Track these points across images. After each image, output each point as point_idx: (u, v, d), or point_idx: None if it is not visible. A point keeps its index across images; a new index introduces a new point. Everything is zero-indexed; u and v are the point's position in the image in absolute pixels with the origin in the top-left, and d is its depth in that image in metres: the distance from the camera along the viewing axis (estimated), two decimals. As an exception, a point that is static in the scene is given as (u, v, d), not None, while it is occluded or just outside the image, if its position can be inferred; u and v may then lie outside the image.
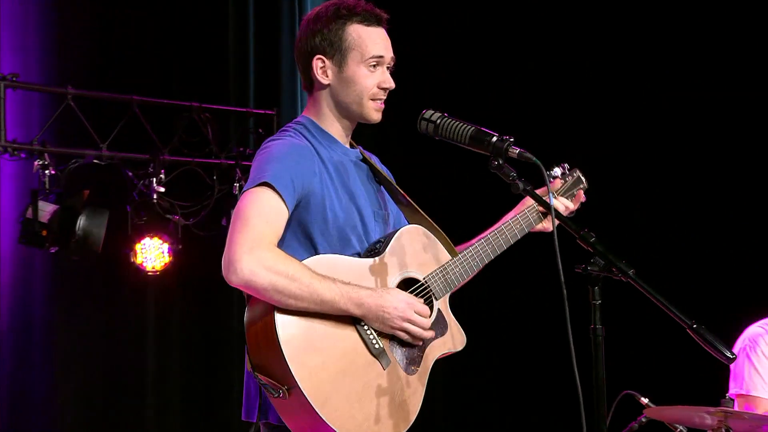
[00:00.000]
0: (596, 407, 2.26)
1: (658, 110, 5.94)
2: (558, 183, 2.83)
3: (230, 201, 5.86)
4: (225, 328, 5.89)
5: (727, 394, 4.08)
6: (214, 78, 6.13)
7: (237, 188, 5.89)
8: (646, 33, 5.91)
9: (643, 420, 4.07)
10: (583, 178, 2.86)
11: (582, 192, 2.86)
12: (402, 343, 2.47)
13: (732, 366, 4.37)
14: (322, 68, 2.56)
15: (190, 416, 6.06)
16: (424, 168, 5.67)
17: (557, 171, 2.82)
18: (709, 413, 3.82)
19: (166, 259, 5.75)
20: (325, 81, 2.57)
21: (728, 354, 2.22)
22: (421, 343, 2.49)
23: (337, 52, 2.55)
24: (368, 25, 2.58)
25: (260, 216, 2.37)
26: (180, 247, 5.79)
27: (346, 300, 2.38)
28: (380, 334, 2.44)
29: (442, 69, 6.06)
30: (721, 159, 5.84)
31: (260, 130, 6.03)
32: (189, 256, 5.79)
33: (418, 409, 2.49)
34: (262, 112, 6.10)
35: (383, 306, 2.41)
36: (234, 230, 2.36)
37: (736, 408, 4.29)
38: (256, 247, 2.33)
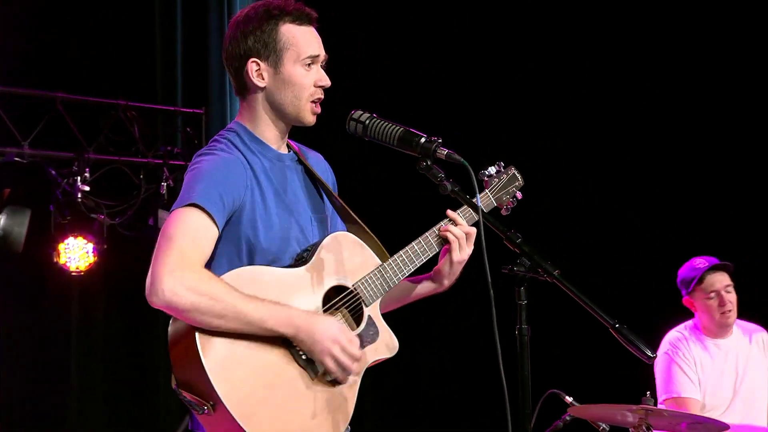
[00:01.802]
0: (522, 406, 2.28)
1: (594, 115, 6.04)
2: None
3: (157, 200, 5.79)
4: (151, 329, 5.80)
5: (648, 392, 4.17)
6: (141, 76, 6.04)
7: (164, 187, 5.82)
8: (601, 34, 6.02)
9: (568, 418, 4.15)
10: (518, 176, 2.83)
11: (518, 191, 2.83)
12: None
13: (659, 372, 4.47)
14: (257, 71, 2.51)
15: (114, 419, 5.95)
16: (357, 169, 5.68)
17: (492, 169, 2.79)
18: (630, 411, 3.91)
19: (91, 259, 5.66)
20: (261, 84, 2.51)
21: (649, 353, 2.27)
22: (344, 376, 2.42)
23: (272, 53, 2.50)
24: (300, 24, 2.54)
25: (185, 236, 2.31)
26: (105, 246, 5.69)
27: (276, 320, 2.33)
28: None
29: (374, 70, 6.08)
30: (643, 167, 5.97)
31: (188, 129, 5.96)
32: (114, 256, 5.70)
33: (350, 417, 2.46)
34: (190, 111, 6.03)
35: (315, 329, 2.36)
36: (158, 251, 2.31)
37: (670, 411, 4.40)
38: (179, 268, 2.27)
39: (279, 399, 2.33)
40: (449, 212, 2.65)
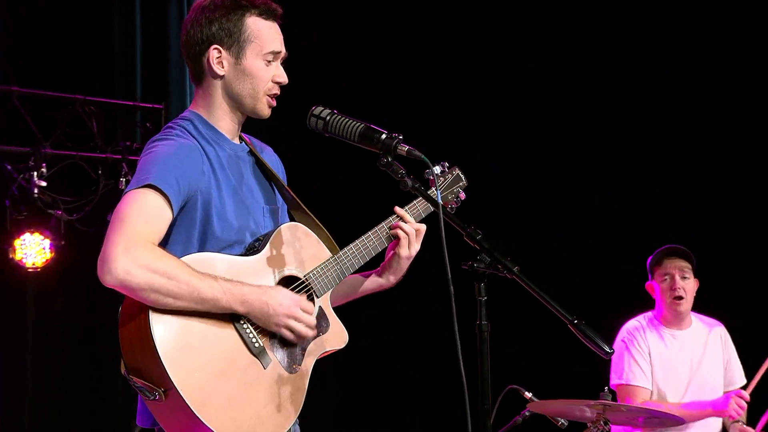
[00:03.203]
0: (481, 402, 2.29)
1: (556, 113, 6.09)
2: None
3: (116, 196, 5.72)
4: (109, 328, 5.69)
5: (606, 387, 4.22)
6: (100, 70, 5.96)
7: (123, 183, 5.76)
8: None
9: (527, 414, 4.19)
10: (462, 176, 2.86)
11: (462, 191, 2.87)
12: (283, 341, 2.44)
13: (613, 358, 4.53)
14: (218, 58, 2.50)
15: (70, 416, 5.88)
16: (315, 165, 5.67)
17: (437, 169, 2.81)
18: (589, 406, 3.96)
19: (48, 255, 5.59)
20: (220, 72, 2.51)
21: (607, 349, 2.29)
22: (303, 342, 2.45)
23: (236, 43, 2.50)
24: (266, 19, 2.54)
25: (139, 216, 2.30)
26: (62, 243, 5.62)
27: (230, 297, 2.33)
28: (260, 332, 2.40)
29: (334, 67, 6.07)
30: (603, 165, 6.03)
31: (148, 125, 5.91)
32: (72, 252, 5.63)
33: (301, 407, 2.46)
34: (150, 105, 5.96)
35: (268, 303, 2.36)
36: (110, 230, 2.29)
37: (618, 398, 4.45)
38: (132, 246, 2.25)
39: (232, 387, 2.33)
40: (397, 209, 2.67)
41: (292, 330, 2.40)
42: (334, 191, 5.84)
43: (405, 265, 2.68)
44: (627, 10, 5.97)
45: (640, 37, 5.96)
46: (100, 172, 5.77)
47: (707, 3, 5.81)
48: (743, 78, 5.81)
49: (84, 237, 5.63)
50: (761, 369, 4.41)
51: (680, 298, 4.46)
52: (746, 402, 4.34)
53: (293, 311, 2.40)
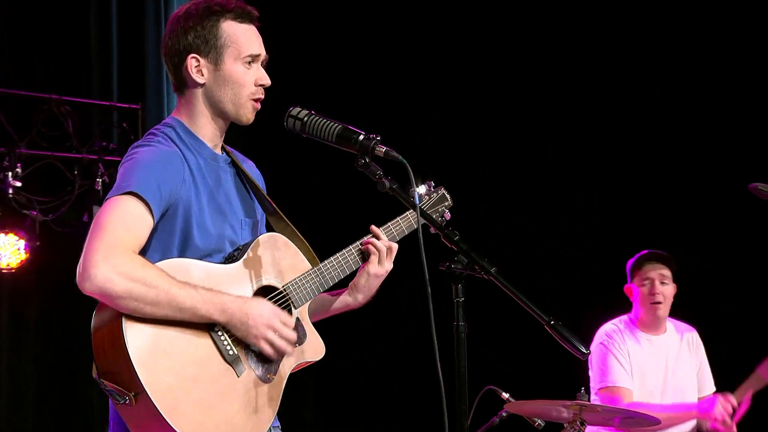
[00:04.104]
0: (458, 402, 2.29)
1: (540, 113, 6.11)
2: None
3: (92, 196, 5.69)
4: (85, 329, 5.65)
5: (583, 388, 4.23)
6: (76, 69, 5.92)
7: (99, 183, 5.73)
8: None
9: (504, 414, 4.20)
10: (447, 196, 2.87)
11: (447, 210, 2.87)
12: (259, 351, 2.42)
13: (595, 362, 4.54)
14: (197, 67, 2.49)
15: (45, 420, 5.83)
16: (293, 168, 5.66)
17: (423, 188, 2.82)
18: (565, 407, 3.98)
19: (23, 256, 5.55)
20: (200, 80, 2.50)
21: (583, 350, 2.30)
22: (280, 357, 2.43)
23: (213, 49, 2.49)
24: (241, 22, 2.53)
25: (120, 223, 2.29)
26: (38, 243, 5.58)
27: (209, 306, 2.31)
28: (235, 341, 2.38)
29: (312, 69, 6.06)
30: (581, 165, 6.06)
31: (124, 125, 5.88)
32: (47, 253, 5.59)
33: (273, 417, 2.45)
34: (127, 106, 5.93)
35: (248, 313, 2.35)
36: (91, 237, 2.28)
37: (603, 401, 4.46)
38: (112, 254, 2.24)
39: (203, 394, 2.31)
40: (373, 228, 2.67)
41: (271, 342, 2.39)
42: (326, 195, 5.83)
43: (375, 284, 2.67)
44: (627, 10, 5.99)
45: (638, 38, 5.98)
46: (75, 172, 5.74)
47: (707, 3, 5.85)
48: (731, 83, 5.84)
49: (59, 238, 5.60)
50: (751, 379, 4.37)
51: (658, 303, 4.49)
52: (733, 407, 4.33)
53: (273, 323, 2.38)
